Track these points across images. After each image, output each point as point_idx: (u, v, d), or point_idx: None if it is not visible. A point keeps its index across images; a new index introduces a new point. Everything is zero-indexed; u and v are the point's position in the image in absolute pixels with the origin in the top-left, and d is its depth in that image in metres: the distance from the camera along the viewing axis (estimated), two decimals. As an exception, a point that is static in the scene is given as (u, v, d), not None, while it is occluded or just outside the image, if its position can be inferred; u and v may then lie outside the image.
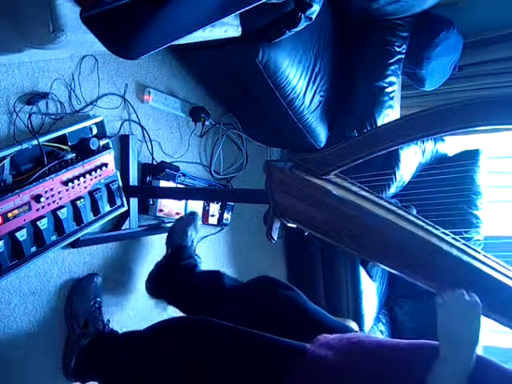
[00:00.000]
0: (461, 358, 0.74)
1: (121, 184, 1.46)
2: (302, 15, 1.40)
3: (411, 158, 2.07)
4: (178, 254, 1.53)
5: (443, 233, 0.97)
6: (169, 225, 1.72)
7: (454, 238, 0.97)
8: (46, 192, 1.19)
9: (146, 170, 1.64)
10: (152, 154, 1.67)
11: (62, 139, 1.28)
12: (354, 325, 2.11)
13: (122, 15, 0.75)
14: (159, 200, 1.63)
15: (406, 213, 1.04)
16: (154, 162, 1.68)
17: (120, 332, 1.37)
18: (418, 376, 0.76)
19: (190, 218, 1.63)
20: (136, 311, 1.64)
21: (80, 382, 1.32)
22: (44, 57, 1.27)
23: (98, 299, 1.38)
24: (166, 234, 1.59)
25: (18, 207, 1.11)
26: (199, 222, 1.66)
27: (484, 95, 2.38)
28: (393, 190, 1.96)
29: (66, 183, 1.24)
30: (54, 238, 1.24)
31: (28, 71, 1.24)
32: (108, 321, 1.39)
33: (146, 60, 1.66)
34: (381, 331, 2.44)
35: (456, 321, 0.78)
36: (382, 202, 1.06)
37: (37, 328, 1.29)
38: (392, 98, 2.02)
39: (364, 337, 1.00)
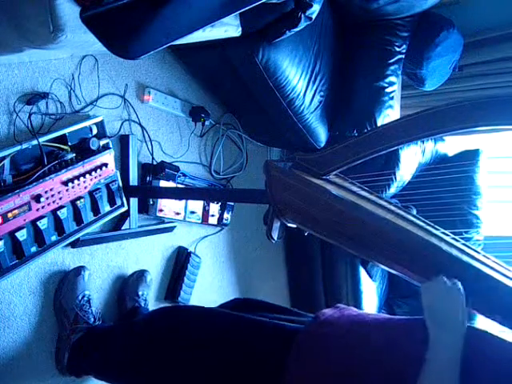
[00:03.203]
0: (449, 339, 0.76)
1: (121, 184, 1.46)
2: (302, 15, 1.40)
3: (411, 158, 2.07)
4: (132, 317, 1.46)
5: (443, 233, 0.97)
6: (169, 225, 1.73)
7: (453, 238, 0.97)
8: (45, 192, 1.19)
9: (146, 170, 1.64)
10: (152, 154, 1.67)
11: (62, 139, 1.28)
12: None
13: (122, 15, 0.75)
14: (159, 200, 1.63)
15: (406, 213, 1.04)
16: (154, 162, 1.68)
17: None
18: (418, 351, 0.76)
19: (139, 277, 1.59)
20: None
21: (74, 376, 1.32)
22: (44, 57, 1.27)
23: (87, 292, 1.37)
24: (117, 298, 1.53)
25: (17, 207, 1.11)
26: (149, 277, 1.62)
27: (484, 95, 2.38)
28: (393, 190, 1.96)
29: (66, 183, 1.24)
30: (54, 238, 1.24)
31: (28, 71, 1.24)
32: (99, 313, 1.38)
33: (146, 60, 1.66)
34: (381, 331, 2.43)
35: (439, 302, 0.81)
36: (382, 202, 1.06)
37: (37, 328, 1.29)
38: (392, 98, 2.02)
39: (364, 314, 1.00)
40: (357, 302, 2.23)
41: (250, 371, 0.93)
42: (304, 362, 0.86)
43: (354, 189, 1.09)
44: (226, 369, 0.95)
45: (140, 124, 1.63)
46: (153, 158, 1.67)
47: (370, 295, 2.30)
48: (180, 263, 1.81)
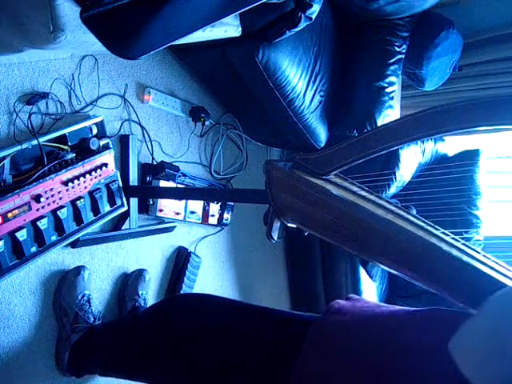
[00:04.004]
0: None
1: (121, 184, 1.46)
2: (302, 15, 1.40)
3: (411, 158, 2.07)
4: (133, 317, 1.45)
5: (443, 233, 0.97)
6: (169, 225, 1.73)
7: (453, 238, 0.97)
8: (45, 192, 1.19)
9: (146, 169, 1.64)
10: (152, 154, 1.67)
11: (62, 139, 1.28)
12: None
13: (122, 15, 0.75)
14: (159, 200, 1.63)
15: (406, 213, 1.04)
16: (154, 162, 1.68)
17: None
18: (434, 341, 0.75)
19: (138, 276, 1.59)
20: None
21: (75, 376, 1.32)
22: (44, 57, 1.27)
23: (87, 292, 1.37)
24: (117, 298, 1.55)
25: (17, 207, 1.11)
26: (148, 276, 1.61)
27: (484, 95, 2.38)
28: (393, 189, 1.96)
29: (66, 183, 1.24)
30: (54, 238, 1.24)
31: (28, 71, 1.24)
32: (99, 313, 1.38)
33: (146, 60, 1.66)
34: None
35: None
36: (382, 202, 1.06)
37: (37, 328, 1.29)
38: (392, 98, 2.02)
39: (375, 305, 0.99)
40: (357, 302, 2.23)
41: (259, 362, 0.90)
42: (317, 354, 0.83)
43: (354, 189, 1.09)
44: (232, 360, 0.93)
45: (140, 124, 1.63)
46: (153, 158, 1.67)
47: (370, 295, 2.30)
48: (180, 263, 1.81)
